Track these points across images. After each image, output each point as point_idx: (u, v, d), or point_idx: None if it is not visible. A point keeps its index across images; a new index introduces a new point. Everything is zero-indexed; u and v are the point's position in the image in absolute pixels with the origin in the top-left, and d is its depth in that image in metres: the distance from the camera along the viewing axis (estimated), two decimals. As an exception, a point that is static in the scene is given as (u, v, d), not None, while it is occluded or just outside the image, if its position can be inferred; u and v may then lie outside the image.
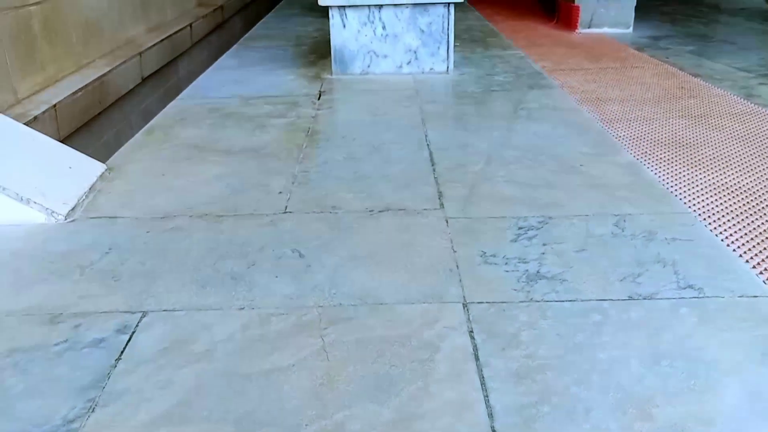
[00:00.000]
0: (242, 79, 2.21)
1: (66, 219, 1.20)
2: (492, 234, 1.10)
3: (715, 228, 1.31)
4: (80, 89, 2.38)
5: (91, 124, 2.37)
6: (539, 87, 2.03)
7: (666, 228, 1.12)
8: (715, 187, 1.57)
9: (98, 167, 1.41)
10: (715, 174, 1.67)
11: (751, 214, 1.45)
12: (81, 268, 1.02)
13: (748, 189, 1.58)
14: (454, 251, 1.04)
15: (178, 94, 3.39)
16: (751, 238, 1.29)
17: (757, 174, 1.70)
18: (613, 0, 4.31)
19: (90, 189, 1.32)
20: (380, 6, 2.11)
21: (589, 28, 4.39)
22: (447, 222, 1.15)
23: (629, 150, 1.77)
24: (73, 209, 1.23)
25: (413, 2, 2.10)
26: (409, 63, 2.19)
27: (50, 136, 2.22)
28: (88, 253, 1.07)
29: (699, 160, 1.79)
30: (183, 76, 3.71)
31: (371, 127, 1.67)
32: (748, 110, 2.69)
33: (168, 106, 1.93)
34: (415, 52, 2.18)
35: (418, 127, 1.67)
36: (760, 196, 1.54)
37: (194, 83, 2.16)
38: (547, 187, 1.29)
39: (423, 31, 2.15)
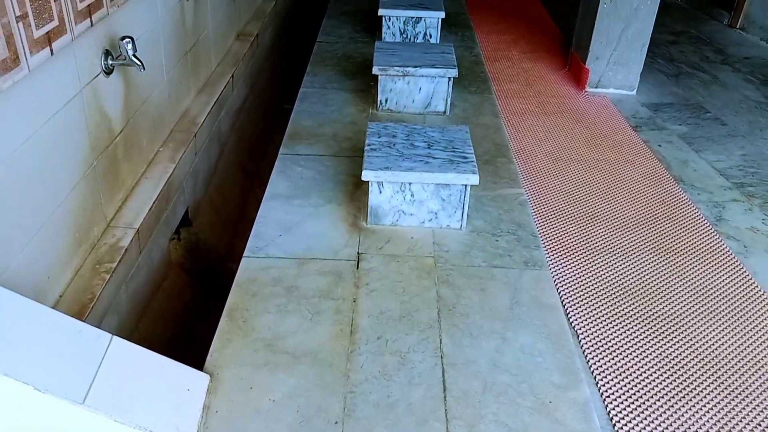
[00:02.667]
0: (293, 223, 2.70)
1: (193, 449, 1.77)
2: (479, 495, 1.68)
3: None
4: (154, 202, 2.87)
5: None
6: (533, 263, 2.53)
7: (594, 498, 1.70)
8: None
9: (204, 381, 1.96)
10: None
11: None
12: None
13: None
14: None
15: (218, 137, 3.89)
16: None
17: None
18: (621, 66, 4.68)
19: (202, 409, 1.88)
20: (410, 183, 2.57)
21: (596, 87, 4.79)
22: (451, 476, 1.73)
23: (595, 364, 2.36)
24: (196, 438, 1.80)
25: (437, 182, 2.57)
26: (430, 220, 2.69)
27: (135, 256, 2.73)
28: (216, 495, 1.65)
29: (650, 337, 2.36)
30: (223, 118, 4.15)
31: (398, 325, 2.21)
32: (712, 246, 3.20)
33: (240, 268, 2.44)
34: (435, 214, 2.67)
35: (435, 327, 2.21)
36: None
37: (255, 230, 2.65)
38: (522, 433, 1.86)
39: (444, 200, 2.63)
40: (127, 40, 2.48)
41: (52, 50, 2.05)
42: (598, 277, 2.90)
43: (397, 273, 2.45)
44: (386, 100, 3.63)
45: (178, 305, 3.34)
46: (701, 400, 2.34)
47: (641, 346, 2.55)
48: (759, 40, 5.98)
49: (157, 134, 3.23)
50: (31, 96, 2.01)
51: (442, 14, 4.32)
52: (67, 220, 2.32)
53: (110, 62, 2.52)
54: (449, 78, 3.52)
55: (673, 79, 5.08)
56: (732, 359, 2.48)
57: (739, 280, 2.91)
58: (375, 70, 3.50)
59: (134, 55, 2.50)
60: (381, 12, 4.31)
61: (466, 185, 2.57)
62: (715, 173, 3.81)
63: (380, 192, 2.61)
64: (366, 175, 2.55)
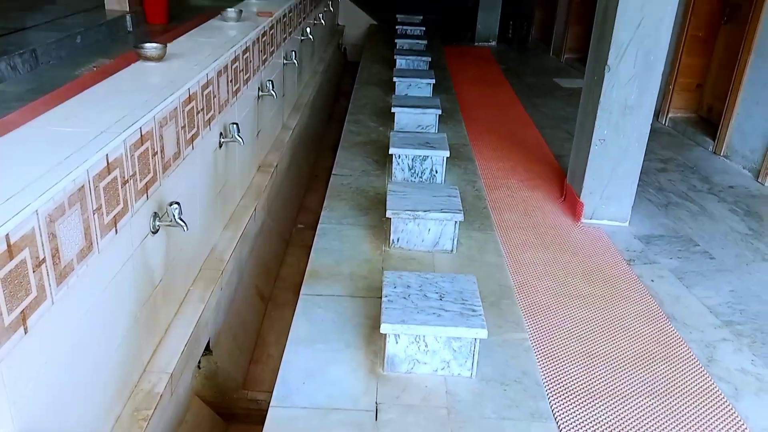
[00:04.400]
0: (315, 369, 2.92)
1: None
2: None
3: None
4: (186, 345, 3.08)
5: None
6: (539, 416, 2.73)
7: None
8: None
9: None
10: None
11: None
12: None
13: None
14: None
15: (239, 266, 4.13)
16: None
17: None
18: (613, 200, 5.02)
19: None
20: (425, 335, 2.82)
21: (591, 219, 5.10)
22: None
23: None
24: None
25: (449, 336, 2.81)
26: (442, 369, 2.90)
27: (168, 399, 2.90)
28: None
29: None
30: (243, 247, 4.40)
31: (417, 481, 2.39)
32: (704, 389, 3.37)
33: (269, 418, 2.63)
34: (447, 363, 2.89)
35: (450, 482, 2.39)
36: None
37: (281, 377, 2.86)
38: None
39: (455, 350, 2.86)
40: (175, 205, 2.79)
41: (116, 230, 2.35)
42: (599, 423, 3.08)
43: (413, 425, 2.64)
44: (398, 239, 3.93)
45: (198, 439, 3.48)
46: None
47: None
48: (742, 169, 6.40)
49: (189, 274, 3.50)
50: (96, 270, 2.29)
51: (446, 153, 4.72)
52: (113, 373, 2.54)
53: (157, 223, 2.81)
54: (456, 221, 3.83)
55: (662, 209, 5.43)
56: None
57: (732, 426, 3.10)
58: (388, 213, 3.83)
59: (180, 218, 2.81)
60: (392, 151, 4.70)
61: (475, 338, 2.82)
62: (705, 310, 4.05)
63: (396, 342, 2.85)
64: (384, 328, 2.80)
